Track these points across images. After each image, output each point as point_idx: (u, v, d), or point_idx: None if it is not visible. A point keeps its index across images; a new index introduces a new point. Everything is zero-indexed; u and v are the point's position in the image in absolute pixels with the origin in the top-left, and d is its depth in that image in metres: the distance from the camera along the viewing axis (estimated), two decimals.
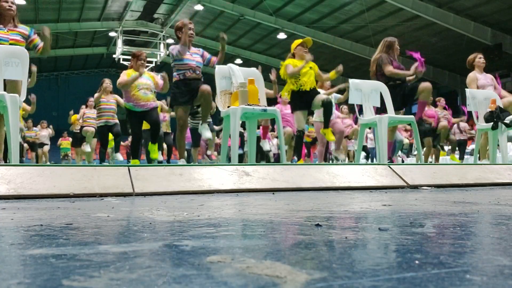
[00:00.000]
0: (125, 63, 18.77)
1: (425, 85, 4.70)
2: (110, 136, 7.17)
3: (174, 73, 4.43)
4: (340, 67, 5.10)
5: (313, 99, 4.84)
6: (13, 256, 0.80)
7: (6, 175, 2.34)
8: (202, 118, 4.61)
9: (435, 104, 8.54)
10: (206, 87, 4.30)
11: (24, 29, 3.89)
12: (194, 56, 4.46)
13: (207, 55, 4.60)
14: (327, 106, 4.80)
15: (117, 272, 0.65)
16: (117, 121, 7.07)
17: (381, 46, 4.98)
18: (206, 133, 4.53)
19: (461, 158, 9.55)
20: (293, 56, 4.96)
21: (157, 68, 23.29)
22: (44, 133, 12.53)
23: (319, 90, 6.29)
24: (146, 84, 4.98)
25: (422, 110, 5.06)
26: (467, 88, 5.27)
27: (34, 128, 12.37)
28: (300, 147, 5.21)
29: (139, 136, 5.14)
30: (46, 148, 12.61)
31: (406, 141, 10.75)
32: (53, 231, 1.12)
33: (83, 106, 9.07)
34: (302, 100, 4.82)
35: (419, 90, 4.70)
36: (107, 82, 6.95)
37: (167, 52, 22.07)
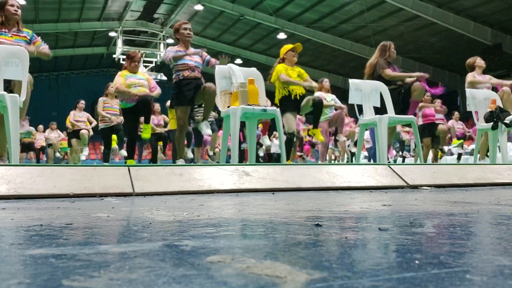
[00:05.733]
0: (125, 63, 18.74)
1: (417, 84, 4.73)
2: (114, 137, 7.19)
3: (173, 75, 4.43)
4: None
5: (297, 105, 4.79)
6: (13, 256, 0.80)
7: (6, 175, 2.34)
8: (203, 116, 4.59)
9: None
10: (211, 86, 4.28)
11: (26, 33, 3.88)
12: (193, 57, 4.44)
13: (206, 56, 4.58)
14: (317, 105, 4.75)
15: (117, 272, 0.65)
16: (119, 121, 7.09)
17: (377, 50, 5.04)
18: (207, 130, 4.52)
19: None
20: (283, 60, 4.92)
21: (157, 68, 23.30)
22: (54, 134, 12.51)
23: (320, 93, 6.33)
24: (139, 82, 5.01)
25: (414, 109, 5.09)
26: (466, 88, 5.30)
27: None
28: (290, 150, 5.16)
29: (134, 135, 5.14)
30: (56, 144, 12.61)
31: (406, 136, 10.77)
32: (53, 231, 1.12)
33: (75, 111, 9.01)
34: (292, 103, 4.79)
35: (412, 89, 4.73)
36: (112, 86, 6.98)
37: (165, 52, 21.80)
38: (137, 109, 4.92)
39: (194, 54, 4.46)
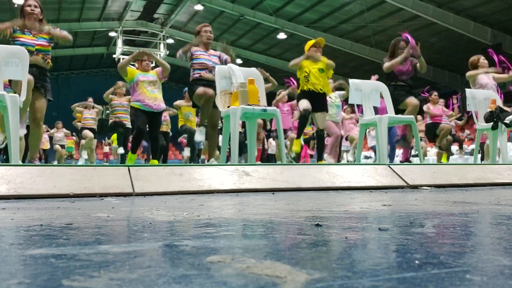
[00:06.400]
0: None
1: (411, 100, 4.75)
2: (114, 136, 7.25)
3: (191, 73, 4.46)
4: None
5: (321, 102, 4.80)
6: (13, 256, 0.80)
7: (6, 175, 2.34)
8: (200, 121, 4.60)
9: None
10: (209, 91, 4.29)
11: (47, 31, 3.92)
12: (211, 57, 4.51)
13: (223, 56, 4.63)
14: (319, 137, 4.91)
15: (117, 272, 0.65)
16: (129, 125, 7.11)
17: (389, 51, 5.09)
18: (198, 137, 4.52)
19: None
20: (307, 58, 4.91)
21: None
22: (60, 134, 12.45)
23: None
24: (152, 81, 4.97)
25: (406, 155, 5.33)
26: (466, 88, 5.29)
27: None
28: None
29: (142, 131, 5.04)
30: (63, 150, 12.58)
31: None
32: (53, 231, 1.12)
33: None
34: (309, 96, 4.77)
35: (406, 103, 4.77)
36: (120, 85, 7.02)
37: (167, 52, 21.59)
38: (150, 118, 4.88)
39: (213, 55, 4.51)
